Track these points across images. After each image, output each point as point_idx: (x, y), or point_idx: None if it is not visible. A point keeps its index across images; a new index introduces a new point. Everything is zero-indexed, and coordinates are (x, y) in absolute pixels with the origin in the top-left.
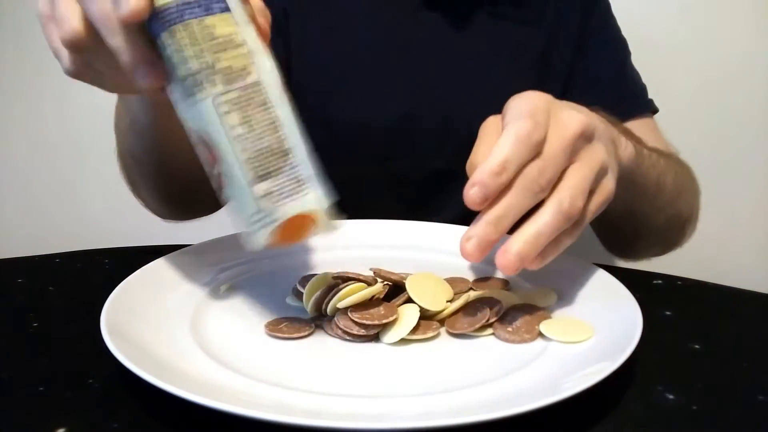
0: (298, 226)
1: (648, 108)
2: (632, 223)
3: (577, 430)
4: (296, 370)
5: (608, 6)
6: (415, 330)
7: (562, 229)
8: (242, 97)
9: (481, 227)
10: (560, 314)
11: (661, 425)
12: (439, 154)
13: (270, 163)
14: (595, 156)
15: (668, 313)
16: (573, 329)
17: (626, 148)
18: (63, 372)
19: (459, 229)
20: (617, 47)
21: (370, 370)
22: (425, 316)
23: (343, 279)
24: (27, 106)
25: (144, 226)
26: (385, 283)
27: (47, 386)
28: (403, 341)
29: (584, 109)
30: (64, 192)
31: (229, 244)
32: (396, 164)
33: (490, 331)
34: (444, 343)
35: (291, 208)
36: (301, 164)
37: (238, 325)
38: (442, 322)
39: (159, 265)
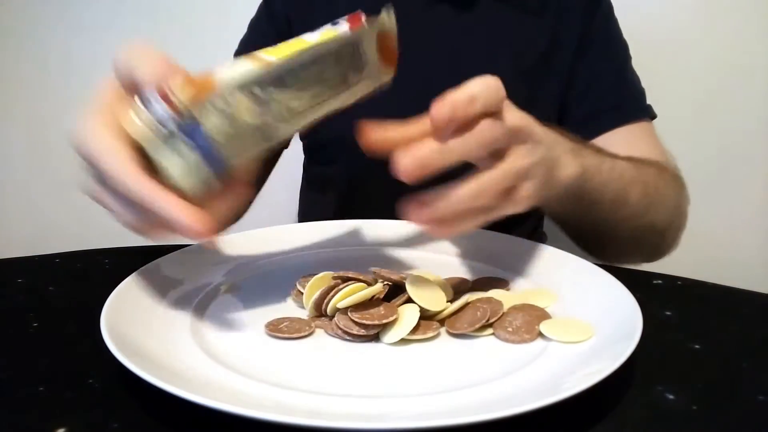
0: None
1: (646, 113)
2: (592, 232)
3: (577, 430)
4: (296, 370)
5: (611, 8)
6: (415, 330)
7: (473, 204)
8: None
9: (425, 148)
10: (560, 314)
11: (661, 425)
12: None
13: None
14: (519, 158)
15: (668, 313)
16: (573, 329)
17: (568, 166)
18: (63, 372)
19: None
20: (618, 50)
21: (370, 370)
22: (425, 316)
23: (343, 279)
24: (27, 106)
25: None
26: (385, 283)
27: (47, 386)
28: (403, 341)
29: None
30: (64, 192)
31: (230, 244)
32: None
33: (490, 331)
34: (444, 343)
35: None
36: None
37: (238, 325)
38: (442, 322)
39: (159, 265)
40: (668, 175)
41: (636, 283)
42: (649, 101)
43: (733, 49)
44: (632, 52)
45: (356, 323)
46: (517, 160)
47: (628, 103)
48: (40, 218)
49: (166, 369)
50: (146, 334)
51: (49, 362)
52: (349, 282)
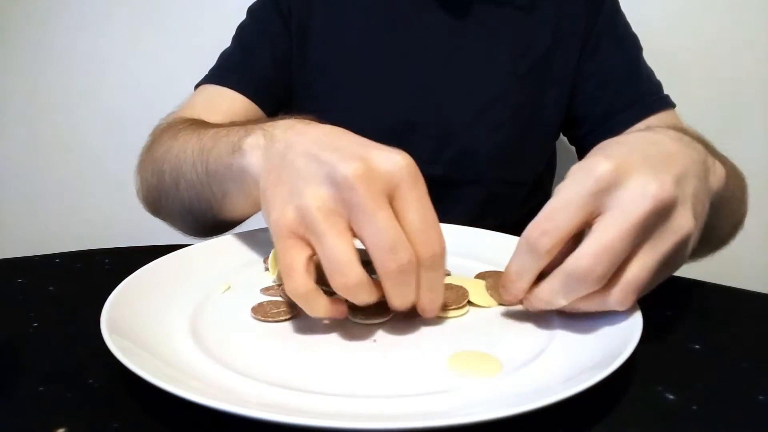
0: None
1: (666, 103)
2: (705, 233)
3: (577, 430)
4: (295, 370)
5: (616, 4)
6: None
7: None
8: None
9: (527, 301)
10: (560, 314)
11: (661, 425)
12: (436, 161)
13: None
14: (674, 231)
15: (668, 313)
16: (481, 365)
17: (716, 172)
18: (63, 372)
19: (456, 229)
20: (628, 45)
21: (370, 370)
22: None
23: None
24: (27, 106)
25: (144, 226)
26: None
27: (47, 386)
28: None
29: (665, 166)
30: (64, 192)
31: (230, 244)
32: None
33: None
34: (444, 344)
35: None
36: None
37: (237, 325)
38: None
39: (159, 265)
40: (729, 161)
41: None
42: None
43: (730, 49)
44: (642, 46)
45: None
46: (665, 242)
47: (646, 97)
48: (40, 218)
49: (166, 369)
50: (146, 334)
51: (49, 362)
52: None
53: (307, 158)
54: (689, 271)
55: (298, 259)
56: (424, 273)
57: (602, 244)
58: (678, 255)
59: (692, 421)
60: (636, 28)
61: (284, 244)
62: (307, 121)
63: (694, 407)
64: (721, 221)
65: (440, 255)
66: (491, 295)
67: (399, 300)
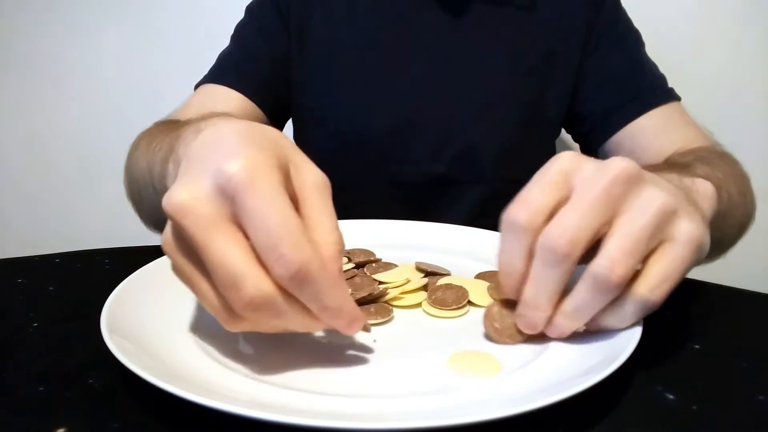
0: None
1: (670, 96)
2: (711, 245)
3: (577, 430)
4: (295, 370)
5: (617, 0)
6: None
7: (607, 301)
8: None
9: (522, 311)
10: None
11: (661, 425)
12: (436, 160)
13: None
14: (648, 202)
15: (668, 313)
16: (481, 365)
17: (700, 192)
18: (63, 372)
19: (456, 229)
20: (630, 40)
21: (370, 370)
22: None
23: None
24: (26, 105)
25: (144, 226)
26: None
27: (47, 386)
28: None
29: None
30: (64, 192)
31: None
32: (394, 168)
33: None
34: (444, 344)
35: None
36: None
37: None
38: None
39: (159, 265)
40: (732, 160)
41: None
42: None
43: (730, 48)
44: (644, 41)
45: None
46: (643, 208)
47: (649, 91)
48: (40, 218)
49: (166, 369)
50: (146, 334)
51: (49, 362)
52: None
53: (171, 184)
54: (690, 271)
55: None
56: (298, 292)
57: (574, 220)
58: (671, 229)
59: (692, 421)
60: (637, 25)
61: (184, 275)
62: (205, 124)
63: (694, 407)
64: (724, 232)
65: (295, 271)
66: (491, 295)
67: (272, 329)
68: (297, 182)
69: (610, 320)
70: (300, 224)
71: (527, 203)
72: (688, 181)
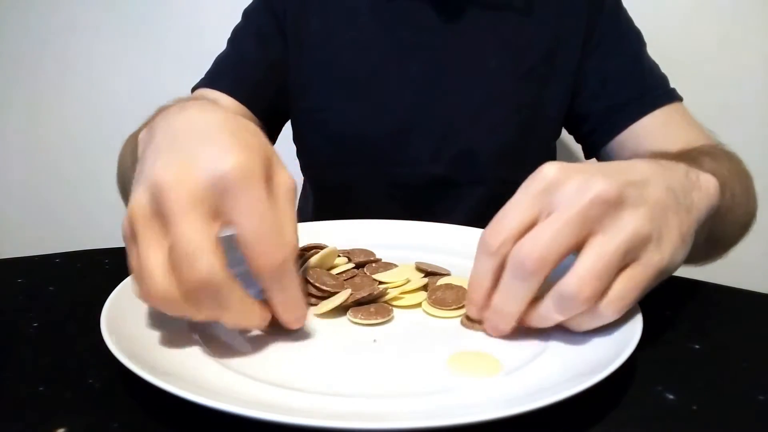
0: None
1: (672, 96)
2: (710, 243)
3: (577, 430)
4: (295, 370)
5: (618, 0)
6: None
7: (571, 315)
8: None
9: (489, 316)
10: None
11: (661, 425)
12: (436, 161)
13: None
14: (621, 228)
15: (668, 313)
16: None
17: (701, 186)
18: (63, 372)
19: (456, 229)
20: (630, 41)
21: (369, 370)
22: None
23: (307, 249)
24: (26, 106)
25: None
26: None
27: (47, 386)
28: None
29: (615, 171)
30: (64, 192)
31: (229, 244)
32: (394, 170)
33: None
34: (444, 344)
35: None
36: None
37: None
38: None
39: None
40: (735, 158)
41: None
42: None
43: (730, 47)
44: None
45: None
46: (616, 234)
47: (651, 91)
48: (40, 218)
49: (166, 369)
50: (146, 334)
51: (49, 362)
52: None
53: (145, 154)
54: (689, 270)
55: (155, 256)
56: (269, 287)
57: (547, 238)
58: (641, 255)
59: (692, 421)
60: (637, 24)
61: (127, 248)
62: (192, 104)
63: (694, 407)
64: (725, 230)
65: (279, 264)
66: None
67: (231, 319)
68: (274, 182)
69: (567, 324)
70: (280, 226)
71: (501, 227)
72: (693, 175)
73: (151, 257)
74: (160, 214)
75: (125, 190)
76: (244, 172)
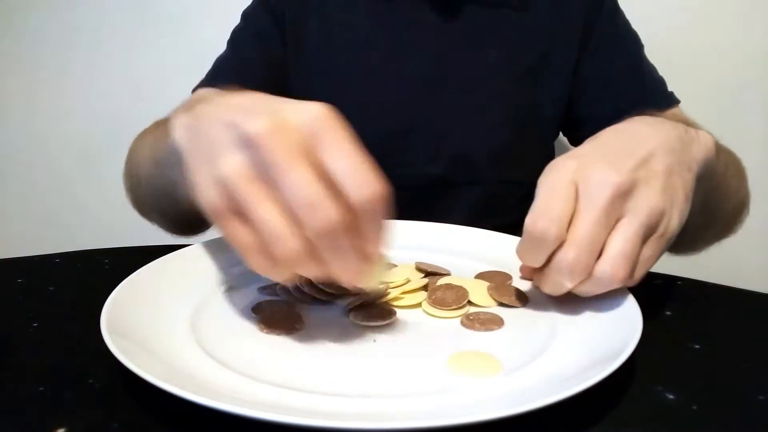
0: None
1: (671, 100)
2: (706, 214)
3: (577, 430)
4: (295, 370)
5: (615, 2)
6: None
7: (607, 290)
8: None
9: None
10: (560, 314)
11: (661, 425)
12: (433, 162)
13: None
14: (640, 208)
15: (668, 313)
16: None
17: (701, 141)
18: (63, 372)
19: (456, 229)
20: (629, 44)
21: (369, 370)
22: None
23: None
24: (27, 105)
25: (144, 226)
26: None
27: (47, 386)
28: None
29: (616, 160)
30: (64, 192)
31: (229, 244)
32: (391, 171)
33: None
34: (444, 344)
35: None
36: None
37: (238, 325)
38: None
39: (159, 265)
40: (733, 154)
41: None
42: None
43: (730, 47)
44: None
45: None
46: (636, 216)
47: (650, 96)
48: (40, 218)
49: (166, 369)
50: (146, 334)
51: (49, 362)
52: None
53: (219, 124)
54: (690, 270)
55: (276, 214)
56: (365, 224)
57: (580, 235)
58: (658, 227)
59: (692, 421)
60: (635, 26)
61: (226, 227)
62: (233, 91)
63: (694, 407)
64: (721, 199)
65: (378, 198)
66: (491, 296)
67: (342, 269)
68: None
69: (582, 289)
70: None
71: (553, 217)
72: (692, 131)
73: (274, 216)
74: (263, 171)
75: (137, 186)
76: (329, 115)
